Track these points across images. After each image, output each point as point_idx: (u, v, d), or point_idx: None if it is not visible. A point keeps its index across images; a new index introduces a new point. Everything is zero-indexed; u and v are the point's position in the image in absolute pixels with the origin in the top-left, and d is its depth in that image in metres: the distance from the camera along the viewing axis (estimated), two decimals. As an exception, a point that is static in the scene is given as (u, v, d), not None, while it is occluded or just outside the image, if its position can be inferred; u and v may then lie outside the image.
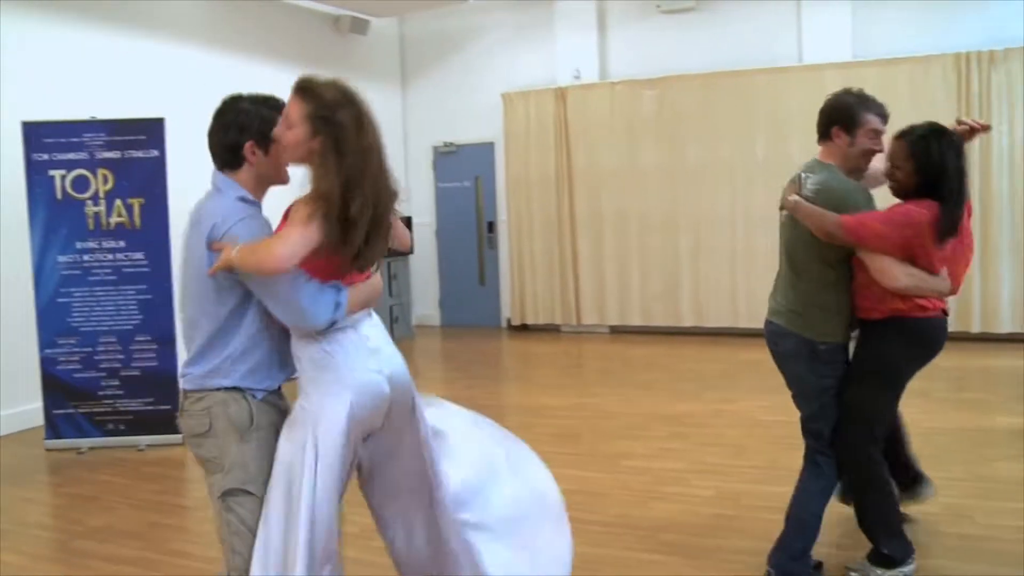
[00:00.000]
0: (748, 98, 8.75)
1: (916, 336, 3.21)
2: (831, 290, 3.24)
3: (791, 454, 4.37)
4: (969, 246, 3.32)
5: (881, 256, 3.08)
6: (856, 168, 3.28)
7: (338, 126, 2.20)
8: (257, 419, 2.38)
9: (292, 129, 2.25)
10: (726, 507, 4.20)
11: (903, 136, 3.20)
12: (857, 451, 3.26)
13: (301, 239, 2.17)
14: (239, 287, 2.33)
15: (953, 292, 3.26)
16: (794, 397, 3.38)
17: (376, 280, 2.49)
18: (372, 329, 2.46)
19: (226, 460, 2.37)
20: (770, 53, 8.89)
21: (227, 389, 2.37)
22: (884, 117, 3.27)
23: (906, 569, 3.28)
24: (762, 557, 3.35)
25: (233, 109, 2.40)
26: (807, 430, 3.36)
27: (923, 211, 3.06)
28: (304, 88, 2.26)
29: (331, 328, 2.34)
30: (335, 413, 2.32)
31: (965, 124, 3.31)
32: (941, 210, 3.05)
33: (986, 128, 3.36)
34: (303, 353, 2.38)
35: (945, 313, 3.28)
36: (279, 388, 2.50)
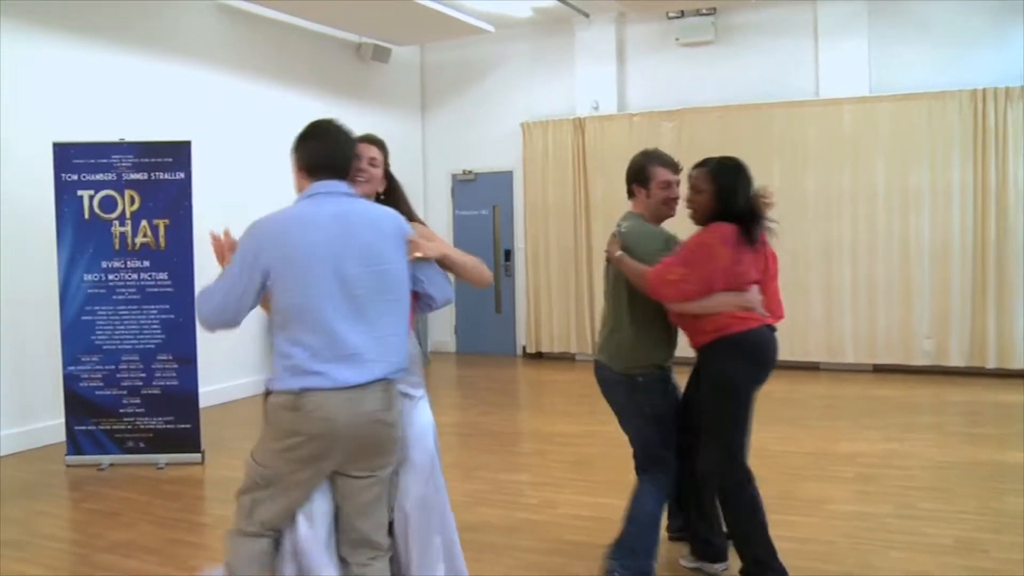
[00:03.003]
0: (765, 131, 8.81)
1: (743, 348, 3.43)
2: (653, 325, 3.55)
3: (805, 485, 4.40)
4: (773, 275, 3.63)
5: (687, 303, 3.38)
6: (662, 216, 3.63)
7: None
8: None
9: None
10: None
11: (703, 164, 3.53)
12: (710, 469, 3.54)
13: None
14: None
15: (775, 315, 3.56)
16: (619, 421, 3.71)
17: None
18: None
19: None
20: (788, 87, 8.98)
21: None
22: (673, 167, 3.61)
23: None
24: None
25: None
26: (635, 447, 3.71)
27: (722, 231, 3.36)
28: None
29: None
30: None
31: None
32: (739, 227, 3.35)
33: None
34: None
35: (771, 329, 3.53)
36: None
